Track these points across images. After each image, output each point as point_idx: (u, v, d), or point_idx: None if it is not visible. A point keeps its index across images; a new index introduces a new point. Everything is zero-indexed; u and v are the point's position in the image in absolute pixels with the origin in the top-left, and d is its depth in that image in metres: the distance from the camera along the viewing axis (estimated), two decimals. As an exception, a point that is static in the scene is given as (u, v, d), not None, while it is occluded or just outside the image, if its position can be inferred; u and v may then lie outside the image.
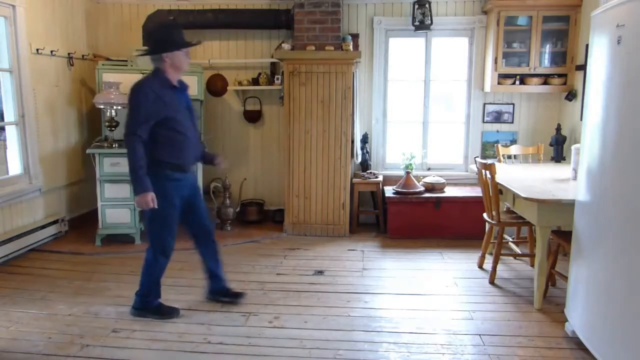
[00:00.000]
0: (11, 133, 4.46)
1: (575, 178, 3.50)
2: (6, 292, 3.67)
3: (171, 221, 3.19)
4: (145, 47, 3.21)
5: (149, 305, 3.30)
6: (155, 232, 3.22)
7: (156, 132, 2.99)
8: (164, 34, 3.08)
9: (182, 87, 3.20)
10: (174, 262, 4.32)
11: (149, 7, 5.43)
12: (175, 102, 3.07)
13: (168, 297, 3.60)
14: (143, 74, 4.91)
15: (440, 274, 4.11)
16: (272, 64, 5.51)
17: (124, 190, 4.69)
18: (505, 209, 4.26)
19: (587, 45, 4.17)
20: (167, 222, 3.17)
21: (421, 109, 5.55)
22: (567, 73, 5.00)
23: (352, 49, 4.95)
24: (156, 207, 2.98)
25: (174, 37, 3.06)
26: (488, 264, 4.14)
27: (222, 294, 3.51)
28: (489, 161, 3.97)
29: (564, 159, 4.92)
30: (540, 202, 3.24)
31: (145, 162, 2.96)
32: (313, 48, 4.92)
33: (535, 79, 5.05)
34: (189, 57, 3.14)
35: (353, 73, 4.96)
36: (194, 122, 3.22)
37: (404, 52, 5.52)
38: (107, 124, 4.72)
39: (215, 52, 5.61)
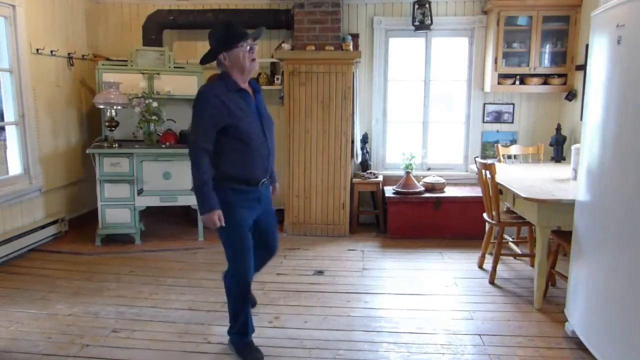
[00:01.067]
0: (11, 133, 4.46)
1: (575, 178, 3.50)
2: (6, 292, 3.67)
3: (243, 239, 2.74)
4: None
5: (245, 341, 2.85)
6: (230, 254, 2.78)
7: (219, 140, 2.63)
8: (217, 35, 2.76)
9: (254, 89, 2.81)
10: (174, 262, 4.36)
11: (149, 7, 5.43)
12: (243, 108, 2.66)
13: (168, 297, 3.61)
14: (143, 74, 4.96)
15: (440, 274, 4.11)
16: (272, 64, 5.51)
17: (124, 190, 4.69)
18: (505, 209, 4.26)
19: (587, 45, 4.17)
20: (239, 241, 2.73)
21: (421, 109, 5.55)
22: (567, 73, 5.00)
23: (352, 49, 4.95)
24: (224, 225, 2.63)
25: (225, 36, 2.71)
26: (488, 264, 4.14)
27: None
28: (489, 161, 3.97)
29: (564, 159, 4.92)
30: (540, 202, 3.24)
31: (211, 176, 2.62)
32: (313, 48, 4.92)
33: (535, 79, 5.05)
34: (252, 54, 2.69)
35: (353, 73, 4.96)
36: (264, 130, 2.76)
37: (404, 52, 5.52)
38: (107, 124, 4.72)
39: (215, 52, 5.59)
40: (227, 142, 2.64)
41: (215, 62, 2.75)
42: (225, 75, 2.70)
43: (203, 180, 2.60)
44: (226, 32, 2.72)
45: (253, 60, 2.72)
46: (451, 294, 3.71)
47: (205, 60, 2.78)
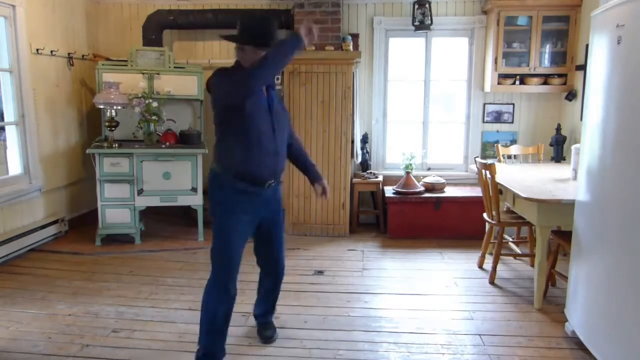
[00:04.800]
0: (11, 133, 4.45)
1: (575, 178, 3.50)
2: (6, 292, 3.67)
3: (231, 247, 2.63)
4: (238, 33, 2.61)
5: None
6: (215, 254, 2.67)
7: (225, 133, 2.55)
8: (255, 26, 2.57)
9: (267, 85, 2.65)
10: (174, 262, 4.35)
11: (149, 7, 5.43)
12: (253, 100, 2.52)
13: (168, 297, 3.61)
14: (143, 74, 4.96)
15: (440, 274, 4.11)
16: (272, 64, 5.50)
17: (124, 190, 4.69)
18: (505, 209, 4.26)
19: (587, 45, 4.16)
20: (226, 247, 2.63)
21: (421, 109, 5.55)
22: (567, 73, 5.00)
23: (352, 49, 4.95)
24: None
25: (261, 32, 2.54)
26: (488, 264, 4.14)
27: (258, 324, 3.08)
28: (489, 161, 3.97)
29: (564, 159, 4.92)
30: (540, 202, 3.24)
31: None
32: (313, 48, 4.91)
33: (535, 79, 5.05)
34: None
35: (353, 73, 4.96)
36: (274, 127, 2.61)
37: (404, 52, 5.52)
38: (107, 124, 4.71)
39: (215, 52, 5.61)
40: (233, 136, 2.54)
41: (235, 44, 2.57)
42: (240, 65, 2.55)
43: (267, 57, 2.38)
44: (263, 29, 2.56)
45: None
46: (451, 294, 3.71)
47: (231, 38, 2.60)
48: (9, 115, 4.41)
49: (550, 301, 3.55)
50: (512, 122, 5.42)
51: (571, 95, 4.99)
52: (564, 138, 4.94)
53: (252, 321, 3.23)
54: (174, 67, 5.07)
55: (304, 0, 4.94)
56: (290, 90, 4.97)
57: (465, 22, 5.31)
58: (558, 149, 4.96)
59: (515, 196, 3.58)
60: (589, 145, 2.83)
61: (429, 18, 5.11)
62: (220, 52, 5.59)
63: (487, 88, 5.18)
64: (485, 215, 4.13)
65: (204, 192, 4.99)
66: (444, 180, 5.20)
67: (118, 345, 2.93)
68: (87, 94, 5.38)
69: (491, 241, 4.25)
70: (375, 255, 4.60)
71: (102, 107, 4.69)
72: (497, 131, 5.45)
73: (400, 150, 5.37)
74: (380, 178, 5.32)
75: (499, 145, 5.07)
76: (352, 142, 5.14)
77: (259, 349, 2.90)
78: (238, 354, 2.85)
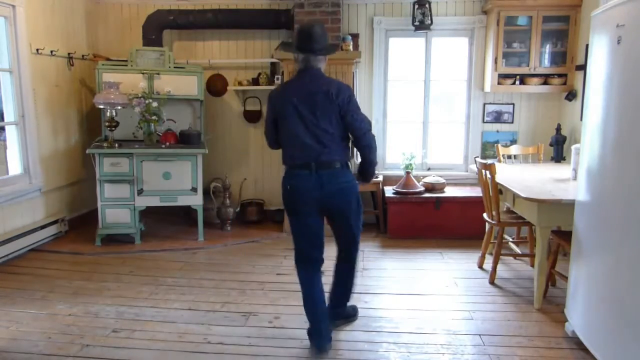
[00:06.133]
0: (11, 133, 4.46)
1: (575, 178, 3.50)
2: (6, 292, 3.67)
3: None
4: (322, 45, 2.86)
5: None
6: (359, 233, 3.10)
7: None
8: (327, 38, 2.98)
9: None
10: (174, 262, 4.36)
11: (149, 7, 5.43)
12: None
13: (168, 297, 3.61)
14: (143, 74, 4.95)
15: (440, 274, 4.11)
16: (272, 64, 5.51)
17: (124, 190, 4.69)
18: (505, 209, 4.26)
19: (587, 45, 4.16)
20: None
21: (421, 109, 5.55)
22: (567, 73, 5.00)
23: (352, 49, 4.95)
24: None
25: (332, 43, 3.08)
26: (488, 264, 4.14)
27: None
28: (489, 161, 3.97)
29: (564, 159, 4.92)
30: (540, 202, 3.24)
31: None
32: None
33: (535, 79, 5.05)
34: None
35: (353, 73, 4.96)
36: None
37: (404, 52, 5.52)
38: (107, 124, 4.71)
39: (215, 52, 5.61)
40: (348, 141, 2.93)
41: (323, 55, 2.88)
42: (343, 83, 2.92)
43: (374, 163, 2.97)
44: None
45: None
46: (451, 294, 3.71)
47: (329, 52, 2.93)
48: (9, 115, 4.41)
49: (550, 301, 3.55)
50: (512, 122, 5.42)
51: (571, 95, 4.99)
52: (564, 138, 4.94)
53: (252, 321, 3.24)
54: (174, 67, 5.07)
55: (304, 0, 4.93)
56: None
57: (465, 22, 5.31)
58: (558, 149, 4.96)
59: (515, 196, 3.58)
60: (589, 145, 2.83)
61: (429, 18, 5.11)
62: (220, 52, 5.59)
63: (487, 88, 5.18)
64: (485, 215, 4.13)
65: (205, 192, 5.00)
66: (444, 180, 5.20)
67: (118, 345, 2.93)
68: (87, 94, 5.38)
69: (491, 241, 4.25)
70: (375, 255, 4.60)
71: (102, 107, 4.69)
72: (497, 131, 5.45)
73: (400, 150, 5.37)
74: (380, 178, 5.31)
75: (499, 145, 5.06)
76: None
77: (259, 348, 2.91)
78: (238, 353, 2.85)
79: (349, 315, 3.24)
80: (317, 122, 2.76)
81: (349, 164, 2.94)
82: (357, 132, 2.83)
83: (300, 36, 2.82)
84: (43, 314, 3.32)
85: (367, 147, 2.87)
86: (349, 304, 3.25)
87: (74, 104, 5.20)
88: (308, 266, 2.97)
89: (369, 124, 2.88)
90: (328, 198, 2.83)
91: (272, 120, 2.92)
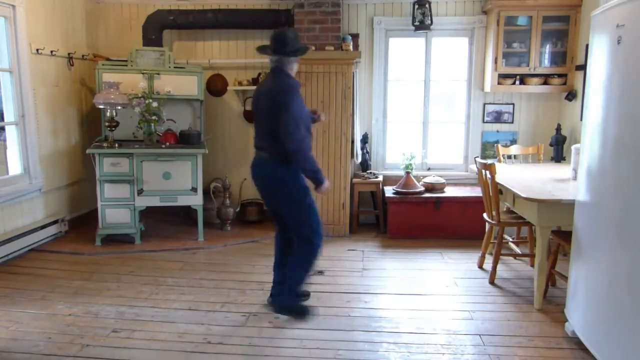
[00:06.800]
0: (11, 133, 4.45)
1: (575, 178, 3.50)
2: (6, 292, 3.67)
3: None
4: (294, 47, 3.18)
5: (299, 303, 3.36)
6: (315, 220, 3.27)
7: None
8: (299, 41, 3.25)
9: None
10: (174, 262, 4.36)
11: (149, 7, 5.43)
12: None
13: (168, 297, 3.61)
14: (143, 74, 4.96)
15: (440, 274, 4.11)
16: (272, 64, 5.50)
17: (124, 190, 4.69)
18: (505, 209, 4.26)
19: (587, 45, 4.17)
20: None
21: (421, 109, 5.55)
22: (567, 73, 5.00)
23: (352, 49, 4.95)
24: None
25: (302, 46, 3.29)
26: (488, 264, 4.14)
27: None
28: (489, 161, 3.97)
29: (564, 159, 4.92)
30: (540, 202, 3.24)
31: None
32: (313, 48, 4.91)
33: (535, 79, 5.05)
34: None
35: (353, 73, 4.96)
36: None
37: (404, 52, 5.52)
38: (107, 124, 4.71)
39: (215, 52, 5.61)
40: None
41: (292, 57, 3.18)
42: (293, 80, 3.19)
43: (311, 161, 3.20)
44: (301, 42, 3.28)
45: None
46: (451, 294, 3.71)
47: (299, 53, 3.20)
48: (9, 115, 4.41)
49: (550, 301, 3.55)
50: (512, 122, 5.42)
51: (571, 95, 4.99)
52: (564, 138, 4.94)
53: (252, 321, 3.24)
54: (174, 67, 5.07)
55: (304, 0, 4.93)
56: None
57: (465, 22, 5.31)
58: (558, 149, 4.96)
59: (515, 196, 3.58)
60: (589, 145, 2.83)
61: (429, 18, 5.11)
62: (220, 52, 5.59)
63: (487, 88, 5.18)
64: (485, 215, 4.13)
65: (205, 192, 5.00)
66: (444, 180, 5.20)
67: (118, 345, 2.93)
68: (87, 94, 5.38)
69: (491, 241, 4.25)
70: (375, 255, 4.60)
71: (102, 107, 4.69)
72: (497, 131, 5.45)
73: (400, 150, 5.38)
74: (380, 178, 5.32)
75: (499, 145, 5.06)
76: (352, 142, 5.14)
77: (259, 348, 2.91)
78: (238, 353, 2.85)
79: (297, 310, 3.28)
80: (262, 118, 3.18)
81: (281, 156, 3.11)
82: (277, 131, 3.08)
83: (274, 40, 3.15)
84: (43, 314, 3.32)
85: (284, 147, 3.05)
86: (304, 302, 3.41)
87: (74, 104, 5.20)
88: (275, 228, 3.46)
89: (294, 129, 3.04)
90: (263, 182, 3.27)
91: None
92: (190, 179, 4.80)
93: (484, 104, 5.42)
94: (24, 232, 4.38)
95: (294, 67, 3.22)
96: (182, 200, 4.83)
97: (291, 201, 3.21)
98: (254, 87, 5.41)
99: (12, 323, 3.18)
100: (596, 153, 2.71)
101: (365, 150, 5.41)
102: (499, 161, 4.81)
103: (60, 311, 3.36)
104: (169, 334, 3.06)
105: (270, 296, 3.41)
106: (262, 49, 3.23)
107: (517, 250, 4.35)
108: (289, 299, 3.28)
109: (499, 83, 5.06)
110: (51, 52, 4.74)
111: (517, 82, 5.08)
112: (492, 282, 3.89)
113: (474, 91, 5.41)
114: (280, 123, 3.01)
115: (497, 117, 5.43)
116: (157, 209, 5.09)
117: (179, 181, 4.78)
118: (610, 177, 2.55)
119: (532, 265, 3.99)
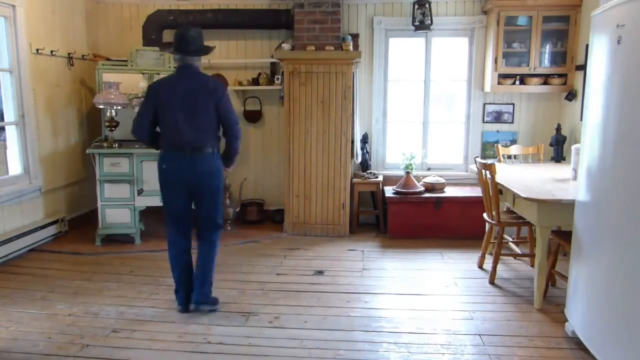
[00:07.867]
0: (11, 133, 4.46)
1: (575, 178, 3.50)
2: (6, 292, 3.67)
3: None
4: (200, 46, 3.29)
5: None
6: (221, 213, 3.44)
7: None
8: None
9: None
10: (174, 262, 4.34)
11: (149, 7, 5.43)
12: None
13: (168, 297, 3.61)
14: (143, 74, 4.95)
15: (440, 274, 4.11)
16: (272, 64, 5.51)
17: (124, 190, 4.69)
18: (505, 209, 4.26)
19: (587, 45, 4.16)
20: None
21: (421, 109, 5.55)
22: (567, 73, 5.00)
23: (352, 49, 4.95)
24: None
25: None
26: (488, 264, 4.14)
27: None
28: (489, 161, 3.97)
29: (564, 159, 4.92)
30: (540, 202, 3.24)
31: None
32: (313, 48, 4.92)
33: (535, 79, 5.05)
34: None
35: (353, 73, 4.96)
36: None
37: (404, 52, 5.52)
38: (107, 124, 4.72)
39: (215, 52, 5.55)
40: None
41: (202, 56, 3.33)
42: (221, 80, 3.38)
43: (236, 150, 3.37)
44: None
45: None
46: (451, 294, 3.71)
47: (201, 53, 3.30)
48: (9, 115, 4.41)
49: (550, 301, 3.55)
50: (512, 122, 5.42)
51: (571, 95, 4.99)
52: (564, 138, 4.94)
53: (252, 321, 3.24)
54: (174, 67, 5.05)
55: (304, 0, 4.93)
56: (290, 90, 4.97)
57: (465, 22, 5.31)
58: (558, 149, 4.96)
59: (515, 196, 3.58)
60: (589, 145, 2.83)
61: (429, 18, 5.11)
62: (220, 52, 5.58)
63: (487, 88, 5.18)
64: (485, 215, 4.13)
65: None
66: (444, 180, 5.20)
67: (118, 345, 2.93)
68: (87, 94, 5.38)
69: (491, 241, 4.25)
70: (375, 255, 4.60)
71: (102, 107, 4.69)
72: (497, 131, 5.45)
73: (400, 150, 5.38)
74: (380, 178, 5.32)
75: (499, 145, 5.06)
76: (352, 142, 5.14)
77: (259, 348, 2.91)
78: (238, 353, 2.85)
79: (213, 303, 3.38)
80: (196, 113, 3.16)
81: (219, 150, 3.32)
82: (228, 122, 3.25)
83: (177, 39, 3.19)
84: (43, 314, 3.32)
85: (234, 136, 3.29)
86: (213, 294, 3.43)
87: (74, 104, 5.20)
88: (174, 246, 3.39)
89: (237, 118, 3.31)
90: (197, 177, 3.22)
91: (152, 109, 3.21)
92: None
93: (484, 104, 5.42)
94: (24, 232, 4.38)
95: (199, 66, 3.32)
96: (182, 200, 4.82)
97: (218, 189, 3.33)
98: (254, 87, 5.46)
99: (12, 323, 3.18)
100: (596, 153, 2.71)
101: (365, 150, 5.41)
102: (499, 161, 4.81)
103: (60, 311, 3.36)
104: (169, 334, 3.06)
105: (188, 304, 3.33)
106: (165, 47, 3.30)
107: (517, 250, 4.35)
108: (209, 291, 3.38)
109: (499, 83, 5.06)
110: (51, 52, 4.74)
111: (517, 82, 5.08)
112: (492, 282, 3.89)
113: (474, 91, 5.41)
114: (227, 115, 3.21)
115: (497, 117, 5.43)
116: (157, 209, 5.07)
117: (179, 181, 4.77)
118: (610, 177, 2.55)
119: (532, 265, 3.99)
